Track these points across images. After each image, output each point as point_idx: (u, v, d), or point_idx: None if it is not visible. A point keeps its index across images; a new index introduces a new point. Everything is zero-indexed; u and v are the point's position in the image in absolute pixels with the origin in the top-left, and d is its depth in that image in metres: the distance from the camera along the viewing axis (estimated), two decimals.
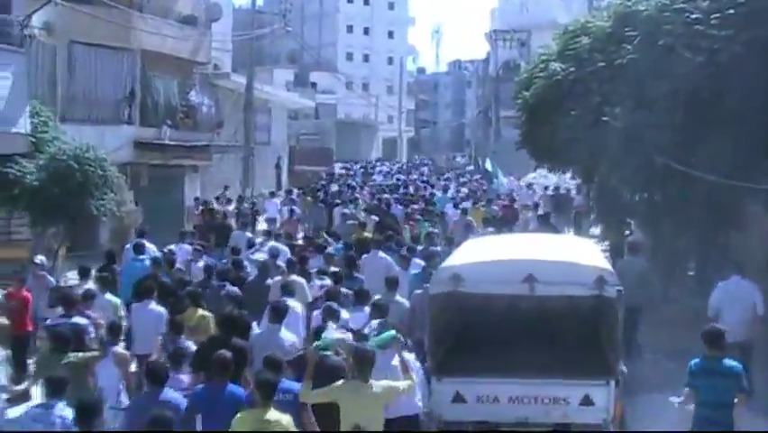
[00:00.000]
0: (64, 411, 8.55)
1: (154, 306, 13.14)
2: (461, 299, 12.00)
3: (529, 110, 21.52)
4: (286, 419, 8.37)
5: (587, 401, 10.92)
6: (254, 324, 12.21)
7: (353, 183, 46.08)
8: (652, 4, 17.60)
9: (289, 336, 11.53)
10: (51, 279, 16.29)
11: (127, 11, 28.22)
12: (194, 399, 9.15)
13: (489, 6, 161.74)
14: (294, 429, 8.40)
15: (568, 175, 27.00)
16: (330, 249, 18.06)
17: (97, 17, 25.57)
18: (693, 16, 16.15)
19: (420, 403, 10.58)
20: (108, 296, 14.06)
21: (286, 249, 18.57)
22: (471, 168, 66.21)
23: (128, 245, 18.99)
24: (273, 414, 8.38)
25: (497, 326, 12.82)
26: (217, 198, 32.03)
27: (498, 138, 73.56)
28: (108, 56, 28.37)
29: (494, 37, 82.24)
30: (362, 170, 62.20)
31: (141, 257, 17.28)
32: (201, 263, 17.40)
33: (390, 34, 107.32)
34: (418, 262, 16.88)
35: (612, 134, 16.69)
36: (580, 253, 12.68)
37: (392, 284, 14.11)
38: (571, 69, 19.32)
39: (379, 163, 74.11)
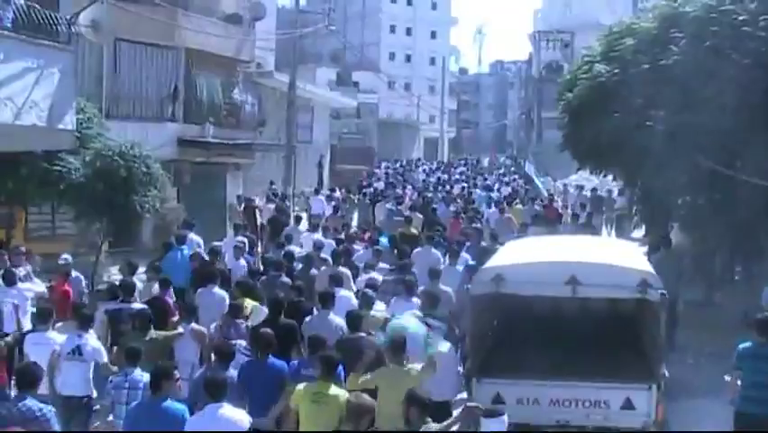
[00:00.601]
0: (144, 377, 9.55)
1: (217, 290, 14.23)
2: (502, 300, 11.99)
3: (572, 112, 21.35)
4: (343, 395, 9.01)
5: (628, 405, 10.87)
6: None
7: (395, 181, 47.17)
8: (698, 6, 17.45)
9: (338, 321, 12.21)
10: (80, 275, 16.34)
11: (172, 9, 28.38)
12: (240, 373, 10.11)
13: (533, 7, 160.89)
14: None
15: (610, 177, 26.75)
16: (379, 246, 18.71)
17: (143, 16, 25.75)
18: (741, 18, 16.01)
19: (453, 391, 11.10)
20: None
21: (331, 242, 19.57)
22: (513, 168, 66.32)
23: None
24: (334, 389, 9.19)
25: (538, 327, 12.80)
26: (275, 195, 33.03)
27: (540, 139, 73.23)
28: (153, 54, 28.58)
29: (537, 38, 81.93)
30: (403, 168, 63.54)
31: (181, 247, 18.37)
32: (242, 261, 18.02)
33: (433, 34, 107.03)
34: (465, 256, 17.37)
35: (656, 137, 16.55)
36: (623, 255, 12.59)
37: (436, 274, 14.88)
38: (616, 70, 19.13)
39: (420, 162, 74.44)
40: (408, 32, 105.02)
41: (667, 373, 11.30)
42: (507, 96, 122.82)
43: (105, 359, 11.19)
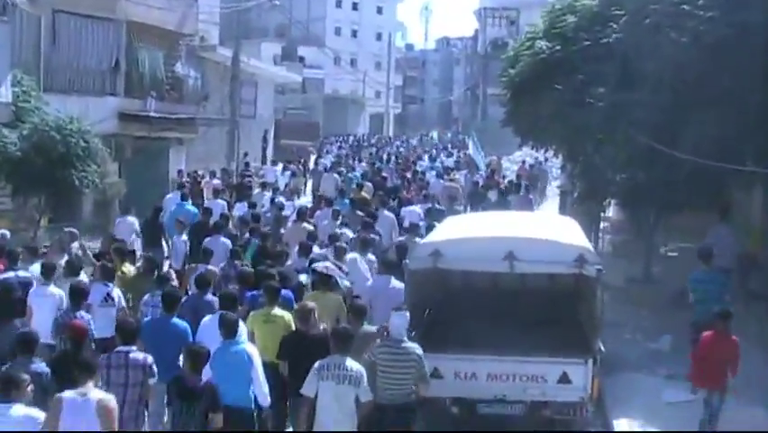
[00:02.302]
0: None
1: (223, 239, 16.92)
2: (441, 275, 12.05)
3: (514, 88, 21.34)
4: (287, 315, 11.17)
5: (564, 379, 11.00)
6: None
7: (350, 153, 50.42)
8: None
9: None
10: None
11: None
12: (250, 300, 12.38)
13: None
14: (292, 322, 10.98)
15: (551, 152, 26.91)
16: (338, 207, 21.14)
17: None
18: None
19: None
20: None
21: (291, 203, 23.54)
22: (458, 143, 67.05)
23: (170, 195, 24.16)
24: (277, 311, 11.29)
25: (476, 302, 12.89)
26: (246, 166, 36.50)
27: (485, 116, 73.62)
28: (93, 26, 28.06)
29: (483, 14, 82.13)
30: (358, 143, 67.04)
31: (184, 203, 21.55)
32: (184, 236, 18.55)
33: (379, 10, 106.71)
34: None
35: (596, 114, 16.65)
36: (560, 231, 12.70)
37: (414, 228, 18.16)
38: (557, 47, 19.14)
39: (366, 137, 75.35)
40: (354, 6, 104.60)
41: (603, 348, 11.46)
42: (453, 73, 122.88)
43: (125, 304, 12.88)
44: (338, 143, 65.03)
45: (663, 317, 16.44)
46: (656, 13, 16.31)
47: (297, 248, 15.58)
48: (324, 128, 69.68)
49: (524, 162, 40.95)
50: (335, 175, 31.83)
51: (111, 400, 8.41)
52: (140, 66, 30.17)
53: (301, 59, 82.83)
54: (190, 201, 22.37)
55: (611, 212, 25.62)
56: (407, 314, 10.11)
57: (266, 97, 49.10)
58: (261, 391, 9.83)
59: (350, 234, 17.77)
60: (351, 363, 9.35)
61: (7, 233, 16.52)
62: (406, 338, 9.97)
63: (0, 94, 18.02)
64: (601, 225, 26.08)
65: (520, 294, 12.98)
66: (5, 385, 8.11)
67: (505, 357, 11.13)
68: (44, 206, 20.69)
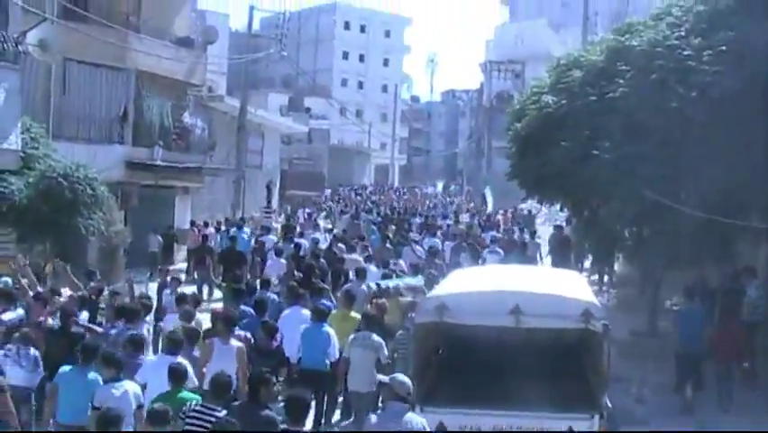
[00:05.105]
0: None
1: (282, 259, 22.39)
2: (446, 329, 11.97)
3: (520, 141, 21.40)
4: (357, 316, 14.60)
5: None
6: None
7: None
8: (644, 40, 17.65)
9: (364, 286, 17.81)
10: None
11: (123, 31, 28.31)
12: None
13: (485, 37, 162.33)
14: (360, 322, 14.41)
15: (557, 206, 26.94)
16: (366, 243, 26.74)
17: (93, 36, 25.57)
18: (685, 53, 16.22)
19: None
20: None
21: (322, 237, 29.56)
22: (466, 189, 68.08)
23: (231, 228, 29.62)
24: (353, 313, 14.92)
25: (482, 357, 12.76)
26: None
27: (490, 168, 73.63)
28: (103, 75, 28.42)
29: (488, 68, 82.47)
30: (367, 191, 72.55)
31: (243, 230, 28.20)
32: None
33: (386, 62, 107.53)
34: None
35: (602, 168, 16.67)
36: (566, 285, 12.64)
37: (434, 254, 24.04)
38: (563, 101, 19.23)
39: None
40: (361, 58, 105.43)
41: (609, 403, 11.35)
42: (459, 125, 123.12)
43: None
44: (352, 192, 69.84)
45: (669, 371, 16.34)
46: (662, 68, 16.42)
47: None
48: (329, 179, 69.89)
49: (505, 212, 46.33)
50: (344, 216, 40.56)
51: (244, 347, 12.76)
52: (148, 115, 30.38)
53: (307, 109, 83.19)
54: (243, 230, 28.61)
55: (616, 266, 25.56)
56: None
57: (272, 148, 49.31)
58: (332, 360, 13.87)
59: (403, 263, 22.09)
60: (374, 336, 13.49)
61: (9, 280, 16.41)
62: None
63: (9, 141, 18.11)
64: (605, 278, 26.09)
65: (526, 348, 12.88)
66: (171, 344, 11.84)
67: (510, 412, 11.00)
68: (49, 252, 20.68)
